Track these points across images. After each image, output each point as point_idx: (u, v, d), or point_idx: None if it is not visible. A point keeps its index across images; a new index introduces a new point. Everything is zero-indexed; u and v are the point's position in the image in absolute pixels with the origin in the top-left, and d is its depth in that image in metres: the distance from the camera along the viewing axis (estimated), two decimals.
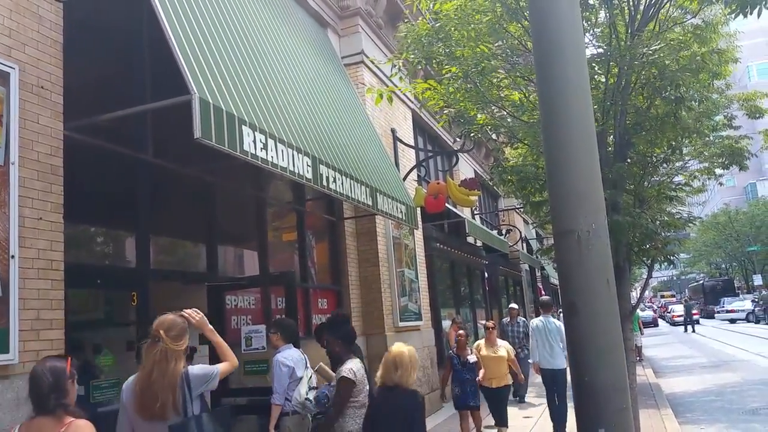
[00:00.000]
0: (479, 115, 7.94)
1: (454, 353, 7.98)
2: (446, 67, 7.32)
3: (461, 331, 8.36)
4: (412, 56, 7.41)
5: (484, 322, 10.18)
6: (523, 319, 12.94)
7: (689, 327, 33.94)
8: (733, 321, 38.14)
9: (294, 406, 5.18)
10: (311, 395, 5.19)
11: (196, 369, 3.39)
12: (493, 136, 11.30)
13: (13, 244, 3.84)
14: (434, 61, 7.46)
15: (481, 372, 7.89)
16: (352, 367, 4.43)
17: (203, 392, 3.38)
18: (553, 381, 8.46)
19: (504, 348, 8.30)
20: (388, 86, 8.79)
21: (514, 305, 12.89)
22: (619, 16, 6.63)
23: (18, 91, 4.02)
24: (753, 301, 38.92)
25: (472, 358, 7.82)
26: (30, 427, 2.73)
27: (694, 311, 43.50)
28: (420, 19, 7.69)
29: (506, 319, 12.50)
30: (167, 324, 3.32)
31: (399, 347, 4.33)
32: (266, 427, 5.30)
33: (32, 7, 4.28)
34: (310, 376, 5.35)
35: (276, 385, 5.22)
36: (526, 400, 11.51)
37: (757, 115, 10.32)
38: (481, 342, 8.48)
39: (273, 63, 6.03)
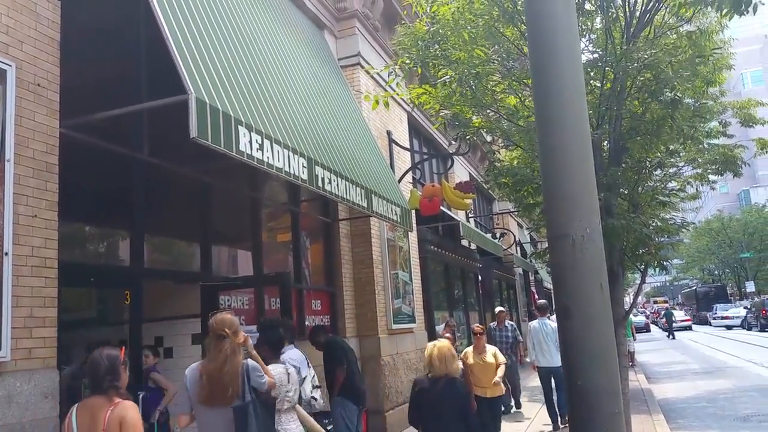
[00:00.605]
0: (474, 118, 7.97)
1: None
2: (442, 70, 7.35)
3: (448, 335, 8.00)
4: (409, 60, 7.42)
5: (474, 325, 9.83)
6: (512, 323, 11.64)
7: (672, 334, 34.36)
8: (729, 327, 38.32)
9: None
10: (316, 393, 5.27)
11: (252, 362, 3.88)
12: (489, 138, 11.34)
13: (7, 241, 3.83)
14: (430, 64, 7.48)
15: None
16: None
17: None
18: (550, 378, 9.27)
19: (491, 354, 7.76)
20: (384, 89, 8.80)
21: (501, 308, 11.81)
22: (614, 23, 6.67)
23: (14, 88, 4.01)
24: (745, 308, 39.15)
25: None
26: (85, 405, 3.13)
27: (687, 317, 43.88)
28: (417, 21, 7.70)
29: (493, 324, 11.36)
30: (228, 322, 3.82)
31: (442, 341, 4.89)
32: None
33: (30, 4, 4.27)
34: (313, 375, 5.41)
35: None
36: (520, 407, 11.28)
37: (751, 124, 10.38)
38: (469, 350, 7.88)
39: (270, 64, 6.03)
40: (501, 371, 7.66)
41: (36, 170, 4.12)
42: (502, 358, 7.81)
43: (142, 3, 4.44)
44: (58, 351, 4.15)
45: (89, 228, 5.85)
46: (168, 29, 4.12)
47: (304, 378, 5.32)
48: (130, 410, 3.08)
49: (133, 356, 5.51)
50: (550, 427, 9.27)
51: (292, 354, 5.43)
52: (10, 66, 4.01)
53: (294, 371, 5.04)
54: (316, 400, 5.32)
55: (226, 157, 4.34)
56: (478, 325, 8.89)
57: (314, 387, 5.39)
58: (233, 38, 5.34)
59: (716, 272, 59.17)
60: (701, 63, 6.70)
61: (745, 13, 5.28)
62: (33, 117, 4.15)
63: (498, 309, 11.72)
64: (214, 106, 4.11)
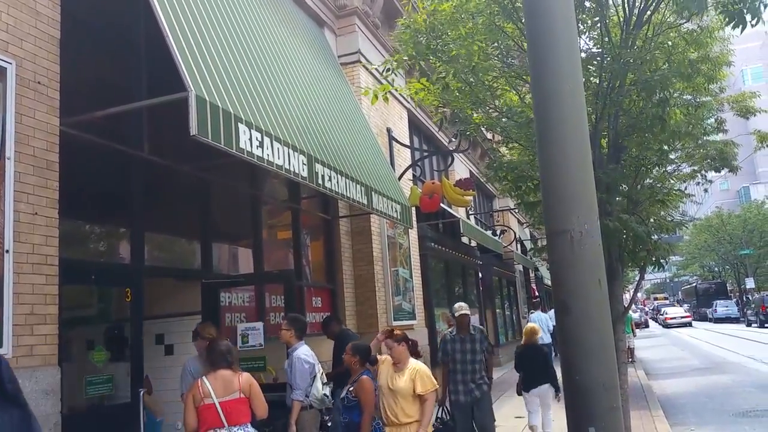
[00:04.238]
0: (474, 115, 7.96)
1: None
2: (440, 65, 7.33)
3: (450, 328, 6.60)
4: (407, 56, 7.41)
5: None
6: (481, 327, 7.35)
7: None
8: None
9: (311, 401, 5.31)
10: (326, 390, 5.37)
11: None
12: (488, 135, 11.32)
13: (7, 238, 3.84)
14: (430, 59, 7.47)
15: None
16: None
17: None
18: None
19: (409, 373, 4.78)
20: (383, 85, 8.80)
21: (463, 308, 6.77)
22: (614, 17, 6.66)
23: (14, 86, 4.02)
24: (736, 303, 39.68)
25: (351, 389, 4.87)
26: (214, 375, 4.18)
27: (687, 314, 44.12)
28: (416, 15, 7.69)
29: (450, 330, 6.88)
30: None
31: (532, 323, 8.62)
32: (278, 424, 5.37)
33: (30, 2, 4.28)
34: (321, 373, 5.48)
35: (299, 381, 5.28)
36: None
37: (748, 116, 10.44)
38: (388, 359, 5.05)
39: (270, 61, 6.04)
40: (429, 410, 4.78)
41: (36, 168, 4.14)
42: (427, 384, 4.80)
43: (141, 0, 4.44)
44: (59, 348, 4.17)
45: (90, 225, 5.86)
46: (167, 26, 4.13)
47: (315, 376, 5.36)
48: (253, 378, 4.32)
49: (134, 355, 5.53)
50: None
51: (304, 350, 5.45)
52: (10, 63, 4.02)
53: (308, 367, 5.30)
54: (327, 397, 5.39)
55: (227, 154, 4.35)
56: (391, 328, 5.49)
57: (324, 384, 5.44)
58: (233, 35, 5.34)
59: (716, 269, 59.10)
60: (701, 61, 6.70)
61: (735, 27, 5.43)
62: (33, 114, 4.16)
63: (460, 310, 6.75)
64: (213, 104, 4.12)
